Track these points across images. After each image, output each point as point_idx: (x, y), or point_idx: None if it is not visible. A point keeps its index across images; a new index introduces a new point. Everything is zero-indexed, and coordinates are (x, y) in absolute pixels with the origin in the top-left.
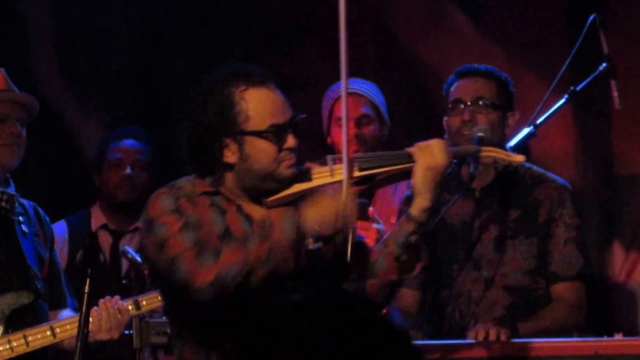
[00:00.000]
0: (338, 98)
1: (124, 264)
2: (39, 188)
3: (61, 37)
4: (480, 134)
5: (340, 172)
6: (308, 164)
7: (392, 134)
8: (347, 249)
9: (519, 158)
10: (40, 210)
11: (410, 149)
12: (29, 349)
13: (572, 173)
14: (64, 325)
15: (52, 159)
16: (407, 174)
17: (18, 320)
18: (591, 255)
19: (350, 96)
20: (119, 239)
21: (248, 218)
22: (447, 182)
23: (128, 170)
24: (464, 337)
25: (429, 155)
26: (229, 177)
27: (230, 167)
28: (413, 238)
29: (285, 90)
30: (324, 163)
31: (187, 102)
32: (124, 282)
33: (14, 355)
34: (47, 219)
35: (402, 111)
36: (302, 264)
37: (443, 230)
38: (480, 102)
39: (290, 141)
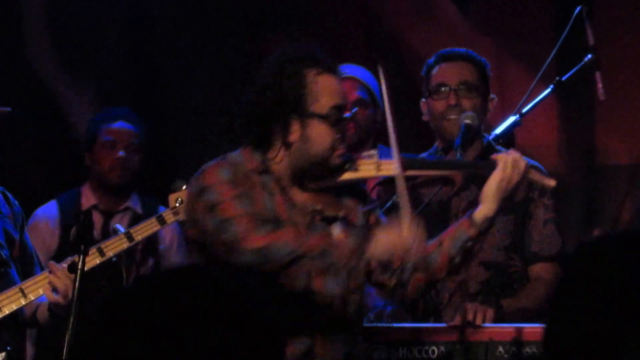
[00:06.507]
0: None
1: None
2: (31, 167)
3: (53, 15)
4: (467, 121)
5: (385, 167)
6: (355, 156)
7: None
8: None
9: (552, 182)
10: (9, 195)
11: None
12: (2, 315)
13: (555, 162)
14: (32, 285)
15: (45, 138)
16: (447, 181)
17: None
18: (571, 241)
19: (345, 80)
20: (110, 218)
21: (291, 202)
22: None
23: (121, 153)
24: (439, 313)
25: (510, 168)
26: (282, 156)
27: (288, 145)
28: (470, 244)
29: None
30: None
31: (181, 86)
32: (113, 259)
33: None
34: (16, 202)
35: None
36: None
37: (421, 210)
38: (465, 87)
39: (345, 132)
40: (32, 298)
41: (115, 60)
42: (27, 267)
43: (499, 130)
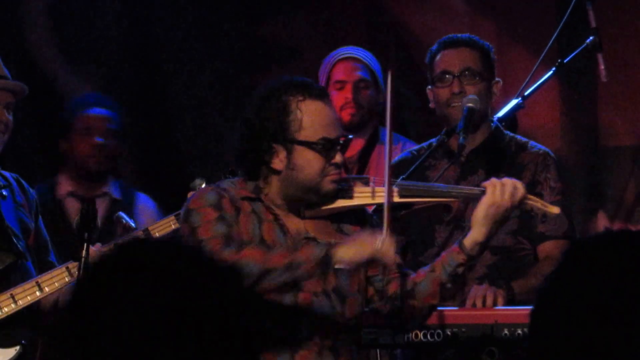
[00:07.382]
0: (336, 62)
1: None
2: (29, 154)
3: (54, 5)
4: (470, 104)
5: (381, 195)
6: (351, 182)
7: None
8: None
9: (555, 210)
10: (23, 182)
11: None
12: (18, 308)
13: (558, 144)
14: (49, 279)
15: (45, 126)
16: (446, 208)
17: (4, 281)
18: (576, 223)
19: (347, 60)
20: None
21: (283, 229)
22: (435, 149)
23: (98, 140)
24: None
25: (499, 194)
26: (273, 184)
27: (276, 173)
28: (461, 269)
29: (275, 60)
30: (366, 182)
31: (181, 72)
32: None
33: (4, 316)
34: (31, 189)
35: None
36: (328, 282)
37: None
38: (468, 73)
39: (337, 157)
40: (48, 291)
41: (116, 48)
42: (42, 254)
43: (501, 113)
